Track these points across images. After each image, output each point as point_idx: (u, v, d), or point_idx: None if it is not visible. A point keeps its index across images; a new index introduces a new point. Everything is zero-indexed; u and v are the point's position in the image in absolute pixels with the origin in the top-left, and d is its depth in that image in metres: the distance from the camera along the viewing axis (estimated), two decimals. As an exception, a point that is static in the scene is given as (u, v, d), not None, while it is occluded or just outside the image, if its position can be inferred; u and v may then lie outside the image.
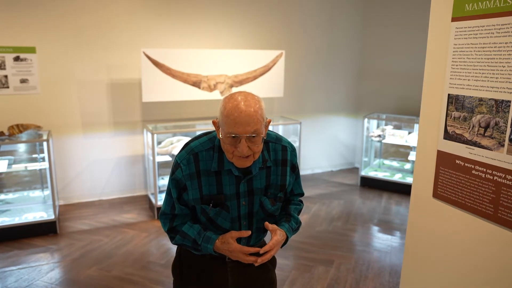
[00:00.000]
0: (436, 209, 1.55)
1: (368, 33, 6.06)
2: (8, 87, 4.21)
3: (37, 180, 4.55)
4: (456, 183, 1.46)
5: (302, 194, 1.73)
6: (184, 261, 1.64)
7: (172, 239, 1.55)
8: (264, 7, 5.31)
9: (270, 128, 5.17)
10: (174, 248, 3.65)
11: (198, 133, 1.60)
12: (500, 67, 1.27)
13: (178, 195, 1.50)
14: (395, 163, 5.85)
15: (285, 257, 3.47)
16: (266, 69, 5.01)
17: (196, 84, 4.67)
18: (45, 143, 3.93)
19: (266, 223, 1.53)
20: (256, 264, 1.47)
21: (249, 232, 1.52)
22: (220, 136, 1.39)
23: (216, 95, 4.80)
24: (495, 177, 1.32)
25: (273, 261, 1.74)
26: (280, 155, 1.56)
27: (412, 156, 5.31)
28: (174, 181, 1.49)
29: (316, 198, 5.01)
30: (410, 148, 5.43)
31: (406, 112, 5.65)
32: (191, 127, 4.89)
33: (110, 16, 4.57)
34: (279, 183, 1.56)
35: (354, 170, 6.27)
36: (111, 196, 4.95)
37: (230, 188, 1.48)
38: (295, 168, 1.63)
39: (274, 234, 1.50)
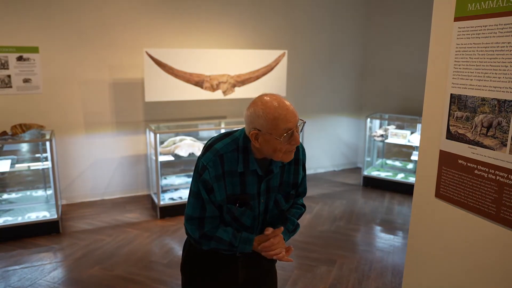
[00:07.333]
0: (439, 209, 1.55)
1: (370, 33, 6.05)
2: (11, 87, 4.22)
3: (40, 179, 4.57)
4: (459, 183, 1.45)
5: (305, 192, 1.76)
6: (193, 258, 1.66)
7: (202, 244, 1.54)
8: (266, 7, 5.31)
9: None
10: (176, 247, 3.66)
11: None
12: (503, 66, 1.27)
13: (208, 196, 1.51)
14: (397, 163, 5.84)
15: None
16: (268, 69, 5.01)
17: (199, 84, 4.67)
18: (48, 143, 3.94)
19: (267, 228, 1.59)
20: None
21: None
22: (276, 138, 1.41)
23: (218, 95, 4.80)
24: (497, 177, 1.32)
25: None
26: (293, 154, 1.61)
27: (414, 156, 5.29)
28: (202, 182, 1.49)
29: (318, 198, 5.01)
30: (412, 148, 5.42)
31: (408, 112, 5.64)
32: (194, 127, 4.89)
33: (113, 16, 4.58)
34: (291, 181, 1.63)
35: (357, 170, 6.26)
36: (113, 195, 4.97)
37: (253, 188, 1.53)
38: (304, 167, 1.70)
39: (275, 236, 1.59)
